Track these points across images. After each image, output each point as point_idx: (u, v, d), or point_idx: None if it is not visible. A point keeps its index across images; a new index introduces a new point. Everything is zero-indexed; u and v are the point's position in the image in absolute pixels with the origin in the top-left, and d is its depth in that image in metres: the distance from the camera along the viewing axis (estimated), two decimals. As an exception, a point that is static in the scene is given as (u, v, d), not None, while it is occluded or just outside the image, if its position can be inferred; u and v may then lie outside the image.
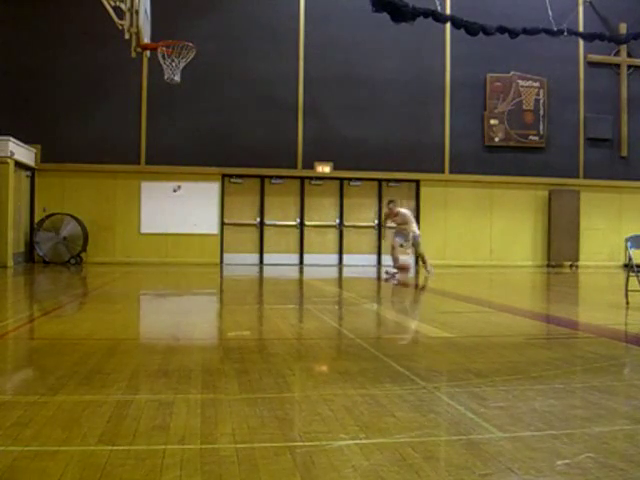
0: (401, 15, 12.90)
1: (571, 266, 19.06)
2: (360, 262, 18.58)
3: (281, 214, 18.57)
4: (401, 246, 13.37)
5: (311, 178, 18.61)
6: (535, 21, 15.68)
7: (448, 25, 16.48)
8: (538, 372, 4.33)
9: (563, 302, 10.04)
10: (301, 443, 2.78)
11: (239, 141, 17.81)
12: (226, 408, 3.33)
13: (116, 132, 17.25)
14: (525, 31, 14.90)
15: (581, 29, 18.44)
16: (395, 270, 13.43)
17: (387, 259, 18.83)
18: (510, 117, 19.22)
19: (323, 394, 3.63)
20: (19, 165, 15.86)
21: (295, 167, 18.25)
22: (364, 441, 2.82)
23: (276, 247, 18.49)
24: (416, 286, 12.72)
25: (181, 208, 17.64)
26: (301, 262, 18.53)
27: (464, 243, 18.95)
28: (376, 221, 18.95)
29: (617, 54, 19.87)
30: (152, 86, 17.24)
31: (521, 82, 19.31)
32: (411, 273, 14.54)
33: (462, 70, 18.80)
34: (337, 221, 18.81)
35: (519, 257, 19.26)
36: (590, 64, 19.65)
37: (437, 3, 14.67)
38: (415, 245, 13.44)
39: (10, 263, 14.90)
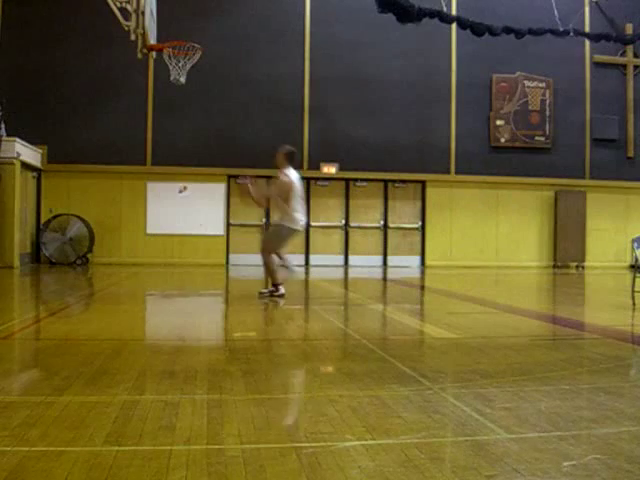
0: (407, 15, 12.90)
1: (577, 267, 19.01)
2: (366, 263, 18.57)
3: (287, 215, 18.53)
4: None
5: (317, 179, 18.61)
6: (541, 21, 15.65)
7: (454, 25, 16.46)
8: (544, 373, 4.32)
9: (569, 303, 10.00)
10: (307, 444, 2.78)
11: (245, 142, 17.82)
12: (232, 409, 3.33)
13: (122, 133, 17.30)
14: (531, 31, 14.88)
15: (587, 29, 18.40)
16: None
17: (393, 260, 18.88)
18: (516, 118, 19.19)
19: (329, 395, 3.63)
20: (25, 166, 15.91)
21: (301, 168, 18.24)
22: (370, 442, 2.82)
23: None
24: (422, 287, 12.69)
25: (187, 209, 17.66)
26: (307, 263, 18.53)
27: (470, 244, 18.93)
28: (382, 222, 18.94)
29: (623, 54, 19.82)
30: (158, 87, 17.28)
31: (527, 83, 19.27)
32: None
33: (468, 70, 18.78)
34: (343, 222, 18.80)
35: (525, 258, 19.21)
36: (596, 64, 19.60)
37: (443, 3, 14.66)
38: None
39: (16, 264, 14.94)
